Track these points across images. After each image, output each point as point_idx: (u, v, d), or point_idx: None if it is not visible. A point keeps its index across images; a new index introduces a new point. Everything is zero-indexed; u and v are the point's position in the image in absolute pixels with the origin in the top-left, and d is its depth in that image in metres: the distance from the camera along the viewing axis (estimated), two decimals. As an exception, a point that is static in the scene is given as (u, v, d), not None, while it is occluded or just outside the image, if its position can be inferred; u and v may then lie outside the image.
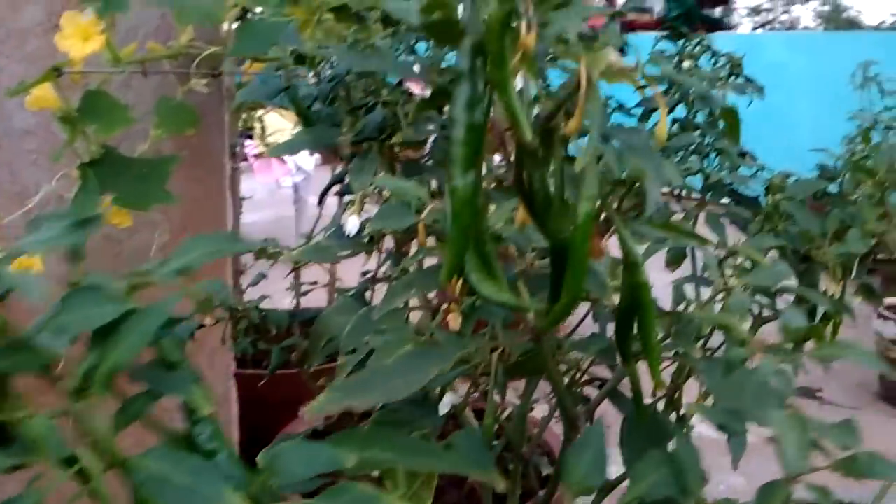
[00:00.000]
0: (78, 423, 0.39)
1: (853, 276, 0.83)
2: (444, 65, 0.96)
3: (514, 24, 0.40)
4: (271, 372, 1.17)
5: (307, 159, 4.19)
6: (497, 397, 0.84)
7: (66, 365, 0.42)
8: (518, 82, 0.45)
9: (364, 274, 1.27)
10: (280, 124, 2.82)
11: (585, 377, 0.99)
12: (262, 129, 2.74)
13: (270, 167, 4.25)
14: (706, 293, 0.77)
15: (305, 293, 1.67)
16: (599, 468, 0.56)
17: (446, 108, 1.04)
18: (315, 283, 1.70)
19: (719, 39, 1.63)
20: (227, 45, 1.08)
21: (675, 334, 0.73)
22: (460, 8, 0.43)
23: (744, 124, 1.25)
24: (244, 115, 2.53)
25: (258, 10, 1.10)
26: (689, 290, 0.84)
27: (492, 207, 0.66)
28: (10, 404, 0.38)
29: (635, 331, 0.58)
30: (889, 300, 2.80)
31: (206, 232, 1.41)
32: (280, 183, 4.36)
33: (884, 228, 0.79)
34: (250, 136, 2.96)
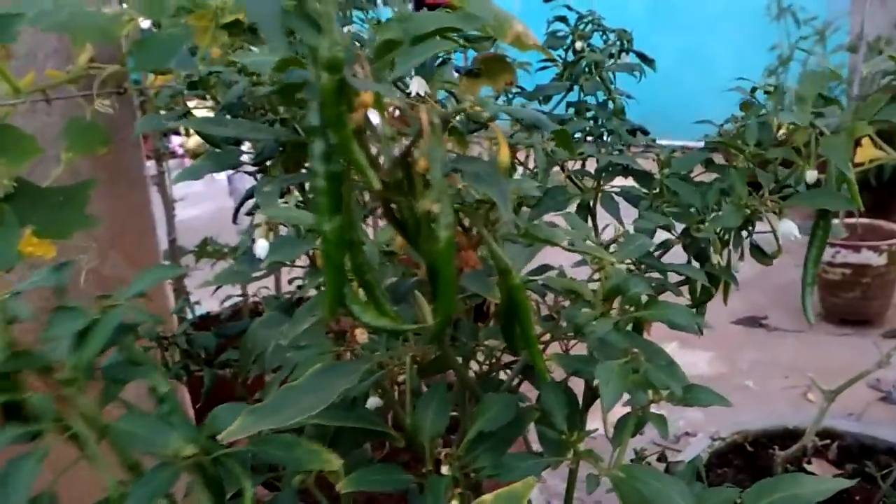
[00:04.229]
0: (70, 403, 0.55)
1: (731, 245, 0.89)
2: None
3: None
4: (206, 395, 1.19)
5: (239, 150, 4.15)
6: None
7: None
8: (375, 119, 0.49)
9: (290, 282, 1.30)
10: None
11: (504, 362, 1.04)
12: (189, 123, 2.69)
13: (205, 160, 4.18)
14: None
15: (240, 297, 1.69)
16: (442, 415, 0.70)
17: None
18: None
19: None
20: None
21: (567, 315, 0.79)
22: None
23: (667, 66, 1.30)
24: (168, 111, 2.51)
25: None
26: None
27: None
28: (22, 390, 0.54)
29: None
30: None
31: (133, 246, 1.42)
32: (214, 176, 4.31)
33: (755, 203, 0.84)
34: (177, 133, 2.92)
